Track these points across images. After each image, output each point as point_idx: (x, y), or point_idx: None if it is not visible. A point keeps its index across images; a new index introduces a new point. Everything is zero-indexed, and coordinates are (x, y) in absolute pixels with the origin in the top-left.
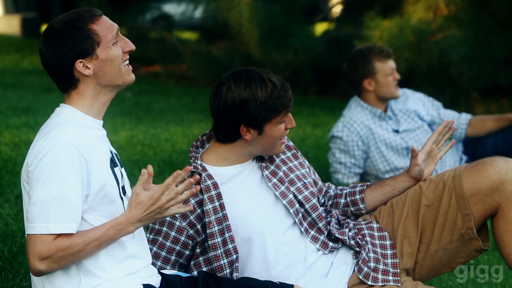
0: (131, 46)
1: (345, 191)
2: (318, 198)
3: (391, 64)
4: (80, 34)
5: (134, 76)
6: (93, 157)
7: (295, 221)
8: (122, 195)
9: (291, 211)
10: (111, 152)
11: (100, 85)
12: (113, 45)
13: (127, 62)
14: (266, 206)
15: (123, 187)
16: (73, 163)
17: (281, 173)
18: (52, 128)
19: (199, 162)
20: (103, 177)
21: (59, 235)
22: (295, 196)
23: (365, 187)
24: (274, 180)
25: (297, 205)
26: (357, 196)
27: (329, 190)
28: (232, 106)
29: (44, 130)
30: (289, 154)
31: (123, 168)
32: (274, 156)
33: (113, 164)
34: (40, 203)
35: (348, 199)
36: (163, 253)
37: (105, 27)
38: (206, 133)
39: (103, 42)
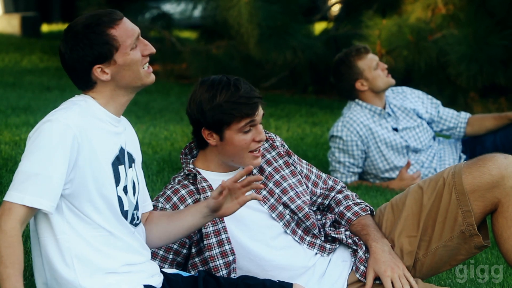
0: (151, 49)
1: (335, 215)
2: (316, 202)
3: (371, 57)
4: (98, 40)
5: (154, 77)
6: (89, 146)
7: (286, 231)
8: (120, 194)
9: (280, 224)
10: (121, 150)
11: (118, 87)
12: (131, 50)
13: (147, 64)
14: (257, 214)
15: (125, 187)
16: (65, 145)
17: (271, 184)
18: (59, 109)
19: (191, 166)
20: (96, 169)
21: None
22: (286, 206)
23: (348, 225)
24: (264, 192)
25: (288, 216)
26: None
27: (324, 201)
28: (194, 107)
29: (53, 110)
30: (281, 162)
31: (131, 169)
32: (265, 166)
33: (118, 161)
34: (23, 174)
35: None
36: (161, 252)
37: (125, 31)
38: (193, 140)
39: (122, 47)
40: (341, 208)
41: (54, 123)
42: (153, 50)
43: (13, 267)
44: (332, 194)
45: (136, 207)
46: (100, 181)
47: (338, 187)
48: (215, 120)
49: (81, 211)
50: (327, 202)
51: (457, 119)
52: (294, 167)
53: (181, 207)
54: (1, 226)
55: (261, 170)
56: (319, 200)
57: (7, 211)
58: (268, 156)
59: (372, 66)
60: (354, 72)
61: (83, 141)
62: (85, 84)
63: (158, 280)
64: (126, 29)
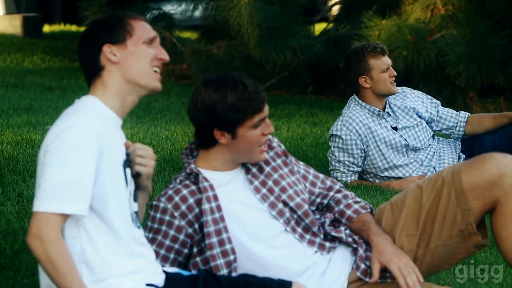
0: (165, 56)
1: (335, 214)
2: (315, 202)
3: (386, 60)
4: (116, 23)
5: (161, 86)
6: (108, 148)
7: (286, 229)
8: (128, 196)
9: (280, 221)
10: (127, 153)
11: (124, 79)
12: (144, 43)
13: (157, 69)
14: (257, 213)
15: (130, 189)
16: (90, 146)
17: (270, 183)
18: (74, 112)
19: (193, 166)
20: (113, 170)
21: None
22: (286, 204)
23: (349, 223)
24: (264, 190)
25: (288, 214)
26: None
27: (323, 201)
28: (203, 109)
29: (65, 113)
30: (279, 161)
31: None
32: (264, 165)
33: (125, 164)
34: (54, 182)
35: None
36: (162, 251)
37: (143, 27)
38: (194, 141)
39: (135, 36)
40: (341, 206)
41: (76, 127)
42: (167, 57)
43: (71, 273)
44: (331, 193)
45: (137, 212)
46: (116, 182)
47: (337, 187)
48: (230, 120)
49: (99, 213)
50: (326, 202)
51: (456, 118)
52: (292, 166)
53: (183, 207)
54: (44, 238)
55: (260, 169)
56: (318, 199)
57: (44, 222)
58: (266, 156)
59: (382, 69)
60: (362, 67)
61: (104, 143)
62: (93, 69)
63: (160, 279)
64: (144, 26)
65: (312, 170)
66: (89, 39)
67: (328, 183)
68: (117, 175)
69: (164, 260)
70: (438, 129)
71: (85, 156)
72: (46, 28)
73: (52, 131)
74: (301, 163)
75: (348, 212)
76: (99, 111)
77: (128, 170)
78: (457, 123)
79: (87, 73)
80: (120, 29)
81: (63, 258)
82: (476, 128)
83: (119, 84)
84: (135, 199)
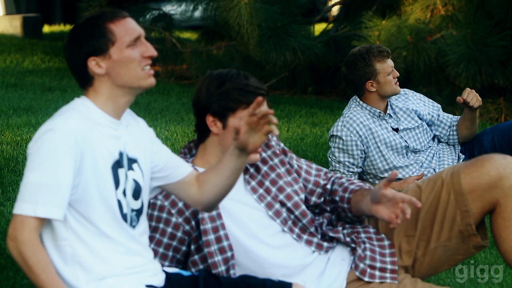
0: (152, 52)
1: (339, 193)
2: (321, 194)
3: (390, 63)
4: (96, 32)
5: (154, 80)
6: (90, 151)
7: (283, 229)
8: (120, 197)
9: (277, 221)
10: (120, 153)
11: (115, 85)
12: (128, 47)
13: (148, 67)
14: (255, 212)
15: (124, 190)
16: (69, 151)
17: (267, 183)
18: (58, 115)
19: (190, 164)
20: (98, 173)
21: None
22: (283, 204)
23: (351, 195)
24: (261, 191)
25: (284, 214)
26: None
27: (327, 186)
28: (201, 95)
29: (53, 116)
30: (276, 160)
31: (132, 170)
32: (261, 165)
33: (117, 165)
34: (31, 185)
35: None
36: (161, 250)
37: (124, 29)
38: (193, 140)
39: (118, 42)
40: (345, 184)
41: (55, 131)
42: (154, 52)
43: (45, 272)
44: (333, 179)
45: (140, 210)
46: (101, 185)
47: (339, 175)
48: (221, 105)
49: (84, 216)
50: (329, 187)
51: (451, 123)
52: (290, 165)
53: (180, 204)
54: (19, 239)
55: (257, 169)
56: (323, 190)
57: (19, 224)
58: (264, 155)
59: (387, 72)
60: (369, 72)
61: (85, 146)
62: (84, 80)
63: (160, 278)
64: (126, 27)
65: (314, 165)
66: (72, 51)
67: (330, 175)
68: (102, 177)
69: (163, 258)
70: (437, 133)
71: (63, 160)
72: (46, 29)
73: (35, 134)
74: (303, 160)
75: (352, 186)
76: (88, 112)
77: (121, 171)
78: (451, 126)
79: (78, 83)
80: (100, 38)
81: (37, 258)
82: (459, 129)
83: (111, 90)
84: (136, 197)
